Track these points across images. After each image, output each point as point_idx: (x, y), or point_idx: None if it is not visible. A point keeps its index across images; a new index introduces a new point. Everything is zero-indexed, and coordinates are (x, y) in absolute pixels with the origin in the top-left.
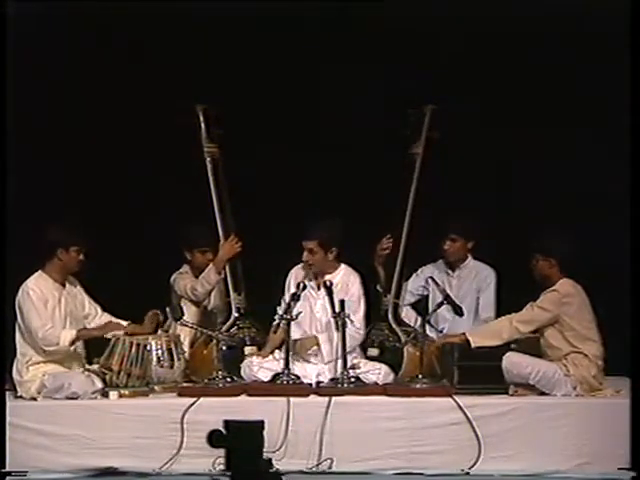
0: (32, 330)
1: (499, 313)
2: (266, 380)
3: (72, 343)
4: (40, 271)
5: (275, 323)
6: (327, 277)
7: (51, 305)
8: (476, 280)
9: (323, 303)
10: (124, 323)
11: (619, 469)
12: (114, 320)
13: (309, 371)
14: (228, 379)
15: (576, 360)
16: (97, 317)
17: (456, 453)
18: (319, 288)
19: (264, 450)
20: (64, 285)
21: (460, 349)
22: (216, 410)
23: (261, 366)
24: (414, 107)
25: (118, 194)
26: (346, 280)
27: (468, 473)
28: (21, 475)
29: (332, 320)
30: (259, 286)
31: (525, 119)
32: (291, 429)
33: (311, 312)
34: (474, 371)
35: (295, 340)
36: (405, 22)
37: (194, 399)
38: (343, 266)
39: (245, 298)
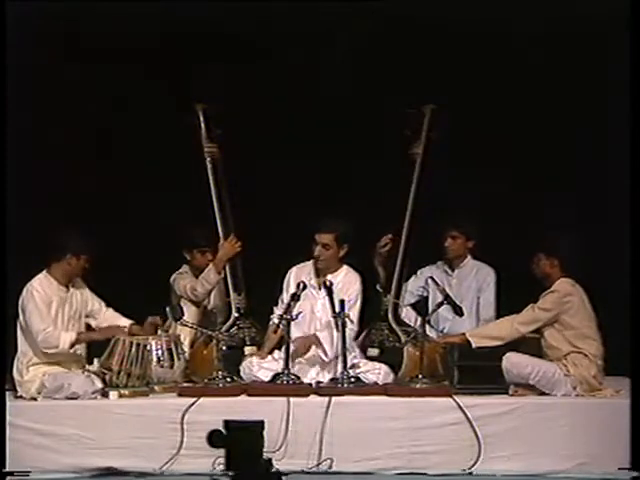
0: (33, 332)
1: (499, 313)
2: (266, 380)
3: (72, 346)
4: (45, 272)
5: (275, 323)
6: (329, 276)
7: (54, 307)
8: (476, 280)
9: (324, 303)
10: (128, 321)
11: (619, 469)
12: (118, 316)
13: (308, 371)
14: (228, 379)
15: (576, 360)
16: (102, 312)
17: (456, 453)
18: (320, 288)
19: (264, 450)
20: (67, 287)
21: (460, 349)
22: (216, 410)
23: (261, 366)
24: (414, 107)
25: (118, 194)
26: (347, 280)
27: (470, 473)
28: (21, 475)
29: (332, 320)
30: (259, 286)
31: (525, 119)
32: (291, 429)
33: (312, 312)
34: (474, 371)
35: (294, 339)
36: (405, 22)
37: (194, 399)
38: (345, 266)
39: (245, 298)
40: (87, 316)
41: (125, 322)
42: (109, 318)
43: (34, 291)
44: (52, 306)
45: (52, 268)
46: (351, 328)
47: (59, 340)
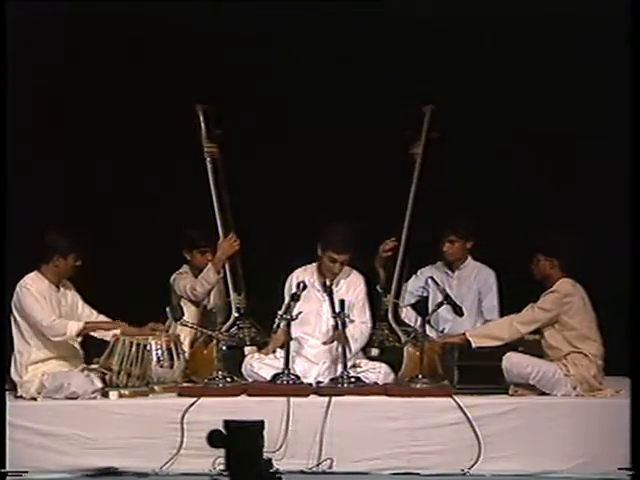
0: (37, 321)
1: (499, 314)
2: (266, 377)
3: (78, 334)
4: (36, 271)
5: (276, 324)
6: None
7: (48, 301)
8: (476, 281)
9: (329, 304)
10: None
11: (619, 469)
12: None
13: (309, 371)
14: (228, 379)
15: (576, 360)
16: (93, 317)
17: (456, 453)
18: (325, 289)
19: (264, 450)
20: (58, 287)
21: (460, 349)
22: (216, 410)
23: (263, 363)
24: (414, 107)
25: (118, 194)
26: (352, 281)
27: (465, 474)
28: (21, 475)
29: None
30: (259, 286)
31: (525, 119)
32: (291, 429)
33: (317, 314)
34: (474, 371)
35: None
36: (405, 22)
37: (194, 399)
38: (347, 267)
39: (245, 298)
40: (78, 320)
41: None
42: None
43: (27, 286)
44: (46, 300)
45: (42, 268)
46: (367, 328)
47: (66, 328)
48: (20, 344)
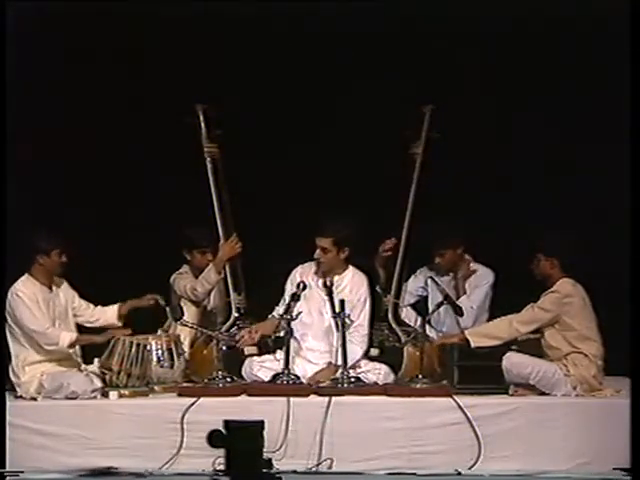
0: (29, 330)
1: (498, 313)
2: (266, 380)
3: (71, 346)
4: (27, 274)
5: (275, 316)
6: (335, 277)
7: (41, 307)
8: (475, 281)
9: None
10: (114, 307)
11: (614, 469)
12: (105, 310)
13: (309, 371)
14: (228, 379)
15: (576, 360)
16: (90, 310)
17: (456, 453)
18: (325, 287)
19: (264, 450)
20: (51, 288)
21: (460, 349)
22: (216, 410)
23: (262, 365)
24: (414, 107)
25: (118, 194)
26: (354, 282)
27: (460, 473)
28: (20, 475)
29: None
30: (259, 286)
31: (525, 119)
32: (291, 429)
33: (319, 313)
34: (474, 371)
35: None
36: (405, 22)
37: (194, 399)
38: (351, 268)
39: (245, 298)
40: (74, 315)
41: (113, 310)
42: (97, 314)
43: (19, 292)
44: (39, 306)
45: (32, 270)
46: (363, 334)
47: (59, 338)
48: (16, 347)
